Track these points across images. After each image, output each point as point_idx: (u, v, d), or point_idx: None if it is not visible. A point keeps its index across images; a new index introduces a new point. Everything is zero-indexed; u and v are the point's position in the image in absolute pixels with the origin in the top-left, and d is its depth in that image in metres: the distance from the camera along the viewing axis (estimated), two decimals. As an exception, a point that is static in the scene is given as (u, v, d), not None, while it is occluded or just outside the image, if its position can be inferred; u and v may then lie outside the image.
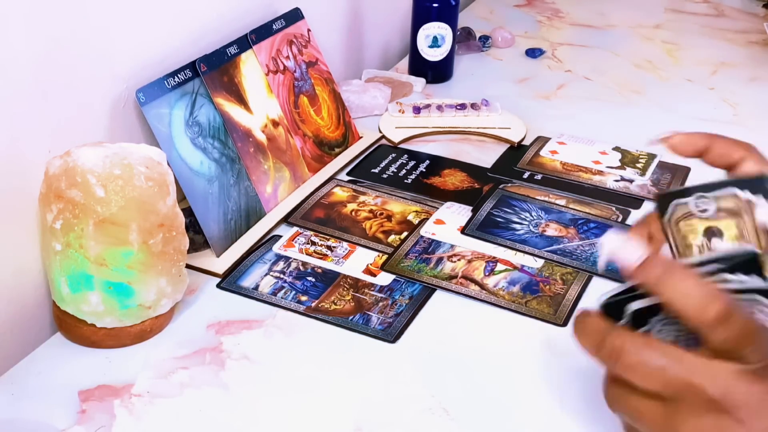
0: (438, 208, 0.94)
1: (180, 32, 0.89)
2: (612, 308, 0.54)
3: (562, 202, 0.96)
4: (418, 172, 1.02)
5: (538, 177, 1.02)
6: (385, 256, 0.86)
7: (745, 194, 0.56)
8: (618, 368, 0.53)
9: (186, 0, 0.89)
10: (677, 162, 1.06)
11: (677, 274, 0.51)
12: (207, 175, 0.85)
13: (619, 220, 0.94)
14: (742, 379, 0.50)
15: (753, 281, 0.52)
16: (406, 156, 1.06)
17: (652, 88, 1.29)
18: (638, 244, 0.54)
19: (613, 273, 0.84)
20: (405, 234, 0.89)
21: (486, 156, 1.07)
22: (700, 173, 1.03)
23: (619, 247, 0.54)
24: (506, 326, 0.78)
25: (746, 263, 0.52)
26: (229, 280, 0.82)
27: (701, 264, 0.53)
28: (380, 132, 1.10)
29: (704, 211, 0.59)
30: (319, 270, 0.84)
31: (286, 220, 0.91)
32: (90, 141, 0.73)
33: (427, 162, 1.05)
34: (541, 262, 0.86)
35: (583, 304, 0.81)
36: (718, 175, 0.64)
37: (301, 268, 0.84)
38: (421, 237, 0.89)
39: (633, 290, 0.53)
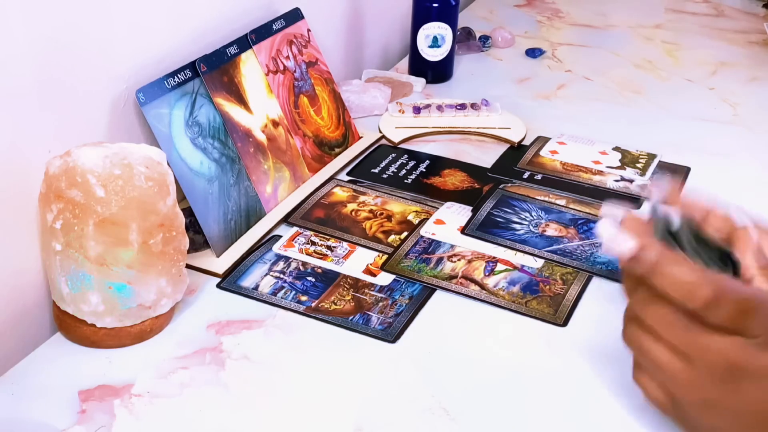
0: (438, 208, 0.94)
1: (180, 32, 0.89)
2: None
3: (562, 202, 0.96)
4: (418, 172, 1.02)
5: (538, 177, 1.02)
6: (385, 256, 0.86)
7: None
8: (651, 274, 0.54)
9: (186, 0, 0.89)
10: (677, 162, 1.06)
11: (669, 262, 0.53)
12: (207, 175, 0.85)
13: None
14: (746, 352, 0.51)
15: None
16: (406, 156, 1.06)
17: (652, 88, 1.29)
18: (630, 234, 0.55)
19: (615, 273, 0.84)
20: (405, 234, 0.89)
21: (486, 156, 1.07)
22: (701, 173, 1.04)
23: (613, 235, 0.55)
24: (506, 326, 0.78)
25: None
26: (229, 280, 0.82)
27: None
28: (380, 132, 1.10)
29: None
30: (319, 270, 0.84)
31: (286, 220, 0.91)
32: (90, 141, 0.73)
33: (427, 162, 1.05)
34: (541, 262, 0.86)
35: (583, 304, 0.81)
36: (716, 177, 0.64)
37: (301, 268, 0.84)
38: (421, 237, 0.89)
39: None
